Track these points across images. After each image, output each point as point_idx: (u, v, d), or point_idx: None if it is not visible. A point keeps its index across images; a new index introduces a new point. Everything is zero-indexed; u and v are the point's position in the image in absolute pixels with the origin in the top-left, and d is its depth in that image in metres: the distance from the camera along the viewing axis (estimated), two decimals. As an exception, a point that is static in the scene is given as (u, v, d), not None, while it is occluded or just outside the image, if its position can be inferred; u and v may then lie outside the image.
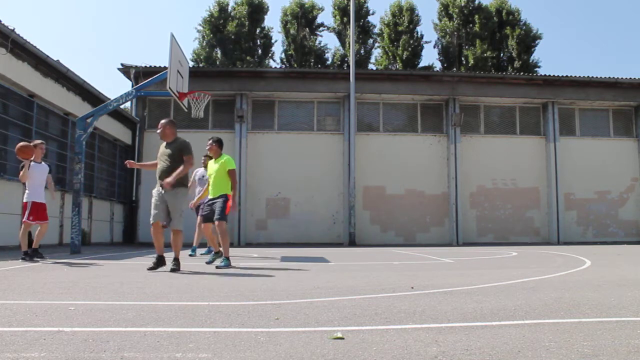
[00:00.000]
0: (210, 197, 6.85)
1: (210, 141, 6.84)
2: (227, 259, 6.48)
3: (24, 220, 7.27)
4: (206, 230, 7.05)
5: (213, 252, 6.98)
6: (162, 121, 6.07)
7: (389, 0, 34.94)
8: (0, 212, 10.37)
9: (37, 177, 7.37)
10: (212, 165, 6.84)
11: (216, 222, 6.52)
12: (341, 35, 29.85)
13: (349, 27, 23.03)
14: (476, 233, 18.07)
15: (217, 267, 6.34)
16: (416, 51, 29.06)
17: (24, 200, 7.31)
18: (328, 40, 57.72)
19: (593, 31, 56.29)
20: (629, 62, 52.97)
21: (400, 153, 18.06)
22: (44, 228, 7.45)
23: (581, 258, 8.54)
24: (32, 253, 7.31)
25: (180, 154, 5.86)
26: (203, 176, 8.83)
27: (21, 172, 7.28)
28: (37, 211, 7.32)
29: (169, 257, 5.97)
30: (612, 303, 3.46)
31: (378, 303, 3.47)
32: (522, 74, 24.56)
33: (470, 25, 28.78)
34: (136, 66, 16.73)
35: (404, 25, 29.09)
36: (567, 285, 4.57)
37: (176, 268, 5.75)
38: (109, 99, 12.96)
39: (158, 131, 6.04)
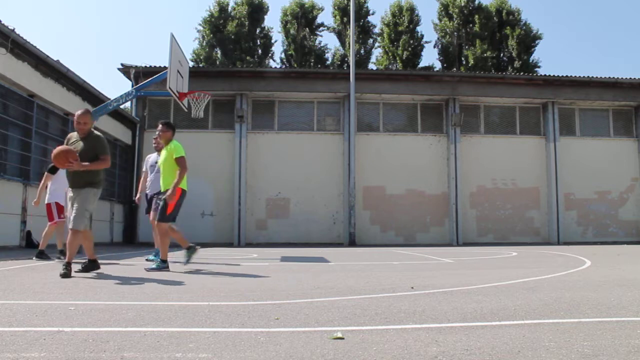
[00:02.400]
0: (162, 190, 6.17)
1: (160, 126, 6.10)
2: (164, 261, 5.86)
3: (55, 221, 7.43)
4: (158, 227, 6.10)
5: (185, 251, 6.29)
6: (78, 112, 5.38)
7: (389, 0, 34.98)
8: (0, 212, 10.37)
9: (61, 179, 7.40)
10: (162, 154, 6.20)
11: (155, 223, 5.93)
12: (341, 35, 29.86)
13: (349, 27, 23.02)
14: (476, 233, 18.07)
15: (147, 270, 5.77)
16: (416, 51, 29.07)
17: (47, 202, 7.45)
18: (328, 40, 57.80)
19: (593, 31, 56.30)
20: (629, 62, 53.00)
21: (400, 153, 18.05)
22: (51, 230, 7.53)
23: (581, 258, 8.54)
24: (39, 254, 7.33)
25: (94, 152, 5.29)
26: (156, 162, 7.55)
27: (42, 182, 7.54)
28: (60, 211, 7.49)
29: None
30: (612, 303, 3.46)
31: (378, 303, 3.46)
32: (522, 74, 24.56)
33: (470, 25, 28.78)
34: (136, 66, 16.73)
35: (404, 25, 29.09)
36: (567, 285, 4.57)
37: (66, 272, 4.98)
38: (109, 99, 12.95)
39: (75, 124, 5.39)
